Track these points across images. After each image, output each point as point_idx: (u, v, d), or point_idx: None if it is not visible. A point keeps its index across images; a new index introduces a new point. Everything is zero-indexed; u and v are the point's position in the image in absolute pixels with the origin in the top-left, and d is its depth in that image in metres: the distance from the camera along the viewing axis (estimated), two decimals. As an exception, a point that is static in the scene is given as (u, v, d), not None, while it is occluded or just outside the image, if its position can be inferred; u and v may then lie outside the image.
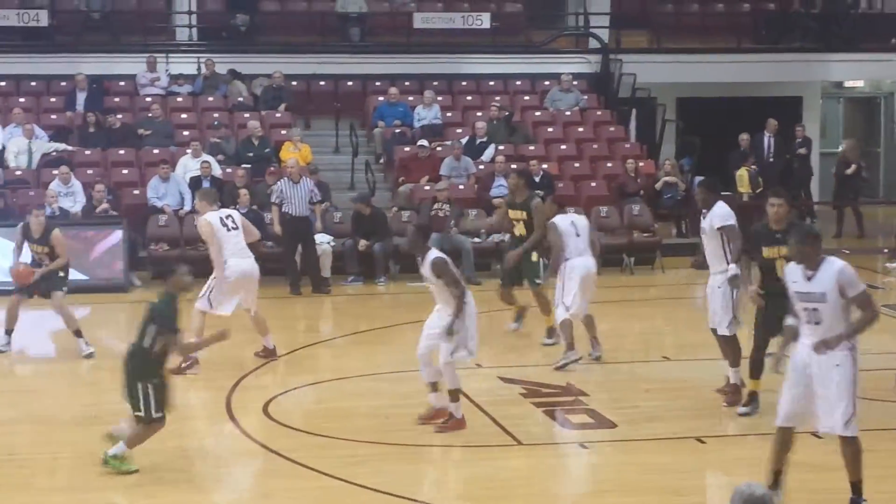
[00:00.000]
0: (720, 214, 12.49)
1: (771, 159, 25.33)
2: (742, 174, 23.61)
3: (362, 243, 20.36)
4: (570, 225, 14.70)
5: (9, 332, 15.20)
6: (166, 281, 10.86)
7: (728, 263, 12.35)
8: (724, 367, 12.72)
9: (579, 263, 14.46)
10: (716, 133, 25.17)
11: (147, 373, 10.53)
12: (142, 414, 10.51)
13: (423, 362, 11.97)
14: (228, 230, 14.14)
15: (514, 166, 22.56)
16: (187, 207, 20.84)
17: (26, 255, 15.30)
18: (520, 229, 15.87)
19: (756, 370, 12.02)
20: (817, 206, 26.94)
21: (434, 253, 11.72)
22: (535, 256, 15.80)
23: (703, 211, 12.59)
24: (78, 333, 14.90)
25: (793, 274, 9.28)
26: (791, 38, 28.21)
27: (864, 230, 24.82)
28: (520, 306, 16.45)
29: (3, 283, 18.64)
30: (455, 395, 11.77)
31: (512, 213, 15.98)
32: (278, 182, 20.13)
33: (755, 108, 26.39)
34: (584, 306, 14.48)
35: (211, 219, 14.11)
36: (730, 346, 12.64)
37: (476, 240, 20.97)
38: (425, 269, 11.71)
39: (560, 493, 10.45)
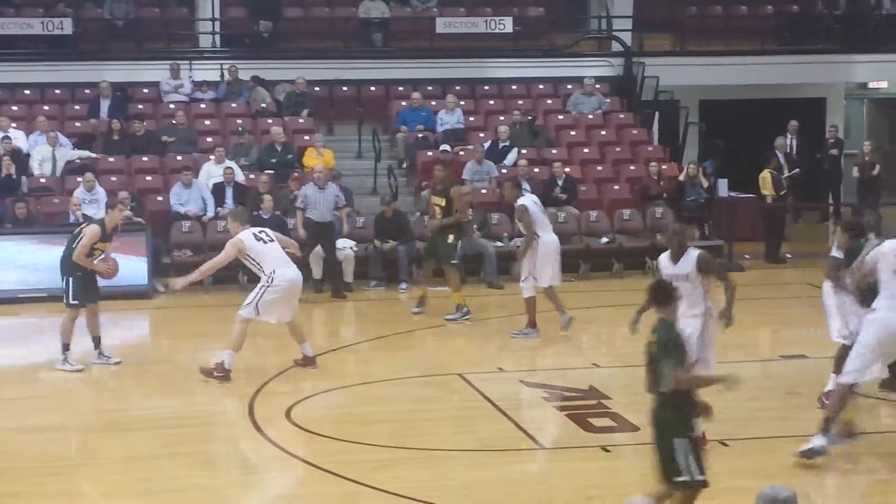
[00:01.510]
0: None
1: (795, 161, 25.24)
2: (765, 176, 23.55)
3: (386, 245, 20.37)
4: (535, 204, 16.39)
5: (96, 340, 15.03)
6: (660, 307, 8.83)
7: None
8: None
9: (551, 239, 16.24)
10: (739, 135, 25.12)
11: (678, 425, 8.60)
12: (684, 478, 8.51)
13: None
14: (265, 243, 14.17)
15: (536, 170, 22.65)
16: (210, 213, 20.89)
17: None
18: (437, 214, 17.81)
19: None
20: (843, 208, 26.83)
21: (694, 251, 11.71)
22: (451, 238, 17.66)
23: None
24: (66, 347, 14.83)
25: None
26: (814, 39, 28.13)
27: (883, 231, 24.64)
28: (425, 292, 18.12)
29: (23, 290, 18.81)
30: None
31: (434, 199, 17.95)
32: (303, 187, 20.15)
33: (778, 109, 26.32)
34: (559, 276, 16.29)
35: (243, 237, 14.15)
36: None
37: (499, 244, 20.98)
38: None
39: (583, 498, 10.43)
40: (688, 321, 11.16)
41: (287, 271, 14.19)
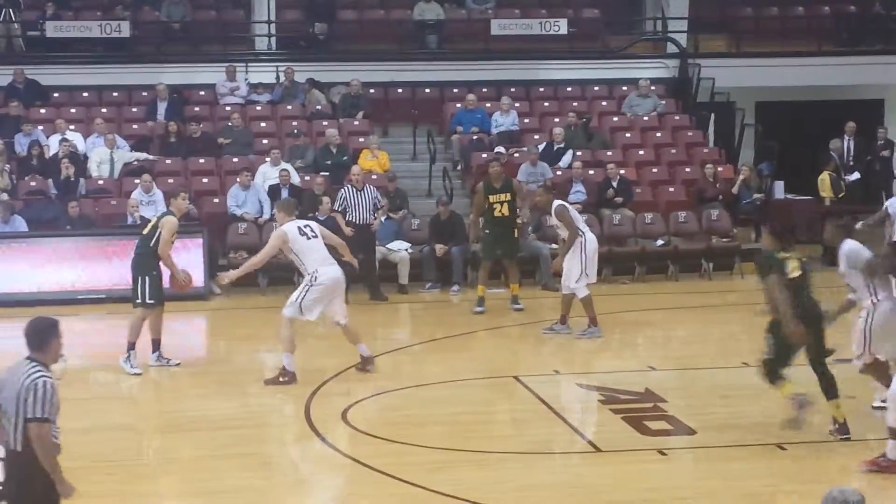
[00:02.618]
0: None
1: (851, 163, 25.06)
2: (824, 178, 23.40)
3: (439, 247, 20.41)
4: (571, 205, 17.22)
5: (155, 343, 15.06)
6: None
7: None
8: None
9: (592, 237, 16.58)
10: (795, 137, 24.95)
11: None
12: None
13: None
14: (308, 238, 14.16)
15: (591, 172, 22.60)
16: (266, 215, 20.97)
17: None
18: (502, 211, 18.30)
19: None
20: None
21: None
22: (516, 232, 18.60)
23: None
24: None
25: None
26: (872, 40, 27.90)
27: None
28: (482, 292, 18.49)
29: (82, 291, 18.98)
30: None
31: (496, 197, 18.28)
32: (341, 190, 20.13)
33: (836, 111, 26.13)
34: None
35: (287, 229, 14.13)
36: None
37: (554, 246, 20.94)
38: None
39: (639, 501, 10.40)
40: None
41: (330, 269, 14.16)
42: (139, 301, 14.82)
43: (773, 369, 11.67)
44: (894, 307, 11.62)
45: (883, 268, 11.65)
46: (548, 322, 17.02)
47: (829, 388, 11.60)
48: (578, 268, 16.27)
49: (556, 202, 16.75)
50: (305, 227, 14.26)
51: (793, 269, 11.61)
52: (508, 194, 18.29)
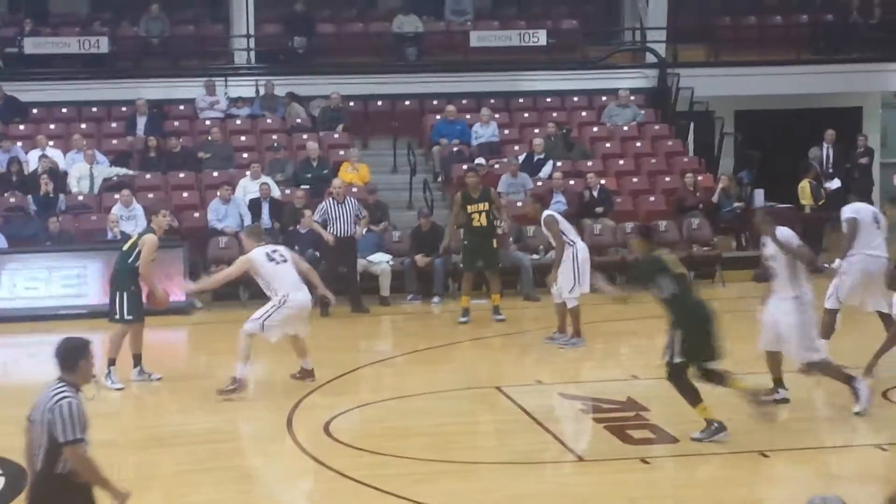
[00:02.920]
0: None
1: (831, 170, 25.14)
2: (804, 186, 23.46)
3: (420, 258, 20.39)
4: (560, 215, 17.03)
5: (136, 358, 14.96)
6: None
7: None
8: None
9: (582, 246, 16.55)
10: (775, 145, 25.01)
11: None
12: None
13: None
14: (277, 263, 14.14)
15: (571, 182, 22.62)
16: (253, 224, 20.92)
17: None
18: (480, 221, 18.18)
19: None
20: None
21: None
22: (495, 243, 18.47)
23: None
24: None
25: None
26: (850, 48, 27.98)
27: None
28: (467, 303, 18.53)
29: (62, 307, 18.93)
30: None
31: (475, 207, 18.20)
32: (322, 203, 20.09)
33: (815, 119, 26.21)
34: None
35: (253, 256, 14.10)
36: None
37: (535, 256, 20.96)
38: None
39: (622, 509, 10.41)
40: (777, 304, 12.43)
41: (298, 295, 14.13)
42: (117, 317, 14.78)
43: (691, 368, 11.69)
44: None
45: None
46: (530, 333, 17.03)
47: (694, 394, 11.69)
48: (571, 278, 16.28)
49: (546, 212, 16.79)
50: (274, 252, 14.24)
51: (677, 267, 11.93)
52: (486, 203, 18.28)
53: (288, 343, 14.48)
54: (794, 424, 12.26)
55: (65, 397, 7.39)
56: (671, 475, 11.29)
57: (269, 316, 14.02)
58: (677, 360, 11.55)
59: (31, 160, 22.37)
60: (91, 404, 14.21)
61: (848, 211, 14.71)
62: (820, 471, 11.02)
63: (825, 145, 25.31)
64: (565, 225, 16.65)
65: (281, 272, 14.10)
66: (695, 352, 11.55)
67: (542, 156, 23.47)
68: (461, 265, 19.08)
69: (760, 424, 11.94)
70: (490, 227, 18.38)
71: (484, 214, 18.24)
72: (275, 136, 23.94)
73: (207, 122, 24.33)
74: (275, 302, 14.04)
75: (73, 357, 7.57)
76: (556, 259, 16.45)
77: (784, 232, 12.68)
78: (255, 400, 13.92)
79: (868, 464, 11.09)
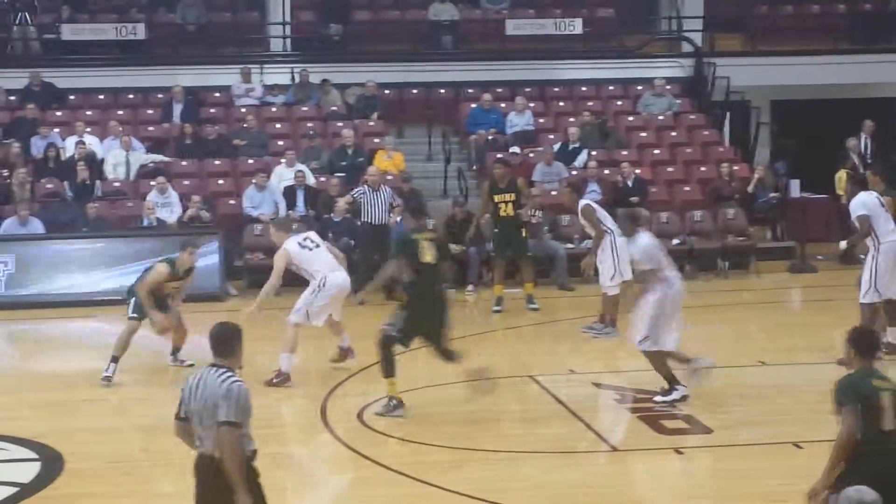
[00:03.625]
0: None
1: (868, 161, 24.97)
2: (841, 177, 23.30)
3: (454, 247, 20.34)
4: (598, 204, 17.05)
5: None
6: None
7: None
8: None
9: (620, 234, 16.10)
10: (811, 135, 24.88)
11: None
12: None
13: None
14: (311, 250, 14.21)
15: (606, 171, 22.56)
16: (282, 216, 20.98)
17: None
18: (507, 211, 18.16)
19: None
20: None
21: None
22: (524, 232, 18.49)
23: None
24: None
25: None
26: (888, 38, 27.82)
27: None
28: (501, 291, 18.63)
29: (98, 293, 19.03)
30: None
31: (501, 197, 18.15)
32: (357, 189, 20.09)
33: (852, 109, 26.05)
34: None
35: (288, 247, 14.15)
36: None
37: (569, 245, 20.93)
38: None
39: (655, 500, 10.39)
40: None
41: (336, 276, 14.23)
42: (129, 313, 14.72)
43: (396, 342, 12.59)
44: None
45: None
46: (565, 322, 17.00)
47: (390, 366, 12.58)
48: (611, 265, 16.27)
49: (583, 201, 16.78)
50: (305, 240, 14.31)
51: (426, 254, 12.45)
52: (513, 194, 18.22)
53: (325, 326, 14.53)
54: (828, 416, 12.17)
55: (235, 381, 7.43)
56: (705, 465, 11.27)
57: (311, 303, 14.08)
58: (394, 333, 12.49)
59: (68, 146, 22.50)
60: (127, 389, 14.35)
61: (859, 207, 14.51)
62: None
63: (863, 136, 25.11)
64: (603, 213, 16.62)
65: (315, 256, 14.19)
66: (411, 330, 12.54)
67: (577, 145, 23.43)
68: (492, 254, 19.10)
69: (796, 415, 11.89)
70: (517, 217, 18.37)
71: (510, 205, 18.22)
72: (310, 124, 23.98)
73: (243, 110, 24.40)
74: (314, 286, 14.10)
75: (232, 342, 7.63)
76: (593, 247, 16.45)
77: (646, 240, 13.00)
78: (289, 389, 13.93)
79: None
